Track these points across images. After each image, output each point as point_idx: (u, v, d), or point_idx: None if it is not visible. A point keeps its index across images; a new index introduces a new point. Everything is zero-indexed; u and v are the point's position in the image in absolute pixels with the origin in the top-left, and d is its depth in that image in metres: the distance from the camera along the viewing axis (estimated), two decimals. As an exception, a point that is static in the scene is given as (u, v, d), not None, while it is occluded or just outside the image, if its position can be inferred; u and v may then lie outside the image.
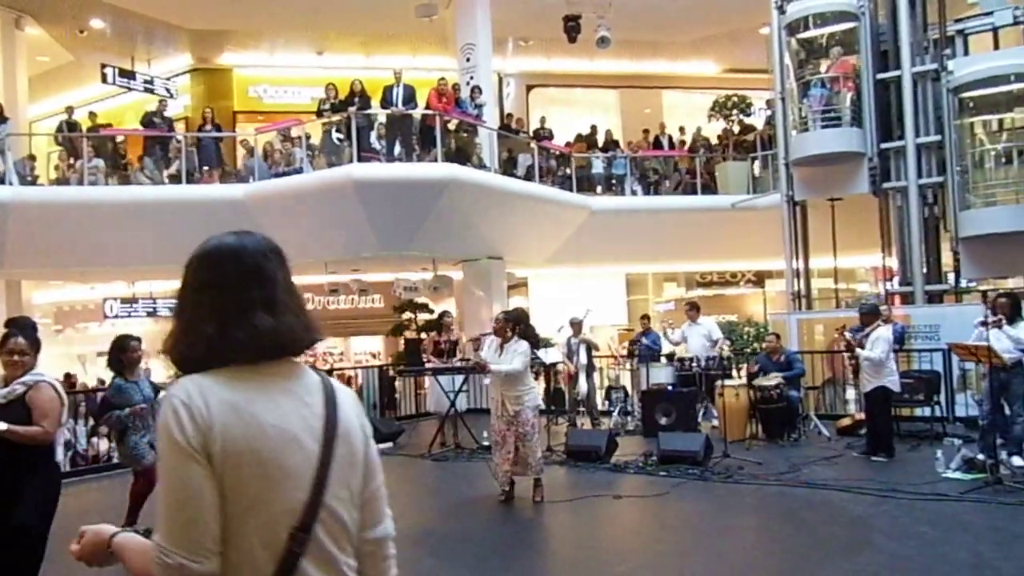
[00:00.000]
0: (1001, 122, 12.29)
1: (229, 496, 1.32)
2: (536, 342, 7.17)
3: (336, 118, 12.99)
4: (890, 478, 6.96)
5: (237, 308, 1.47)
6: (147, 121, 14.03)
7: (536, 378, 14.12)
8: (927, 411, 9.31)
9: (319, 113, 13.55)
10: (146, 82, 15.84)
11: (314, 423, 1.44)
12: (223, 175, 13.65)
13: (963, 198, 11.83)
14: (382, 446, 10.10)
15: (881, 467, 7.60)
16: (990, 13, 12.24)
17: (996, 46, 12.49)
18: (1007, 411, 7.23)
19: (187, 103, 19.27)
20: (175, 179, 13.15)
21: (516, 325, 6.88)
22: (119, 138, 14.08)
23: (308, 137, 13.41)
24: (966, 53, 12.39)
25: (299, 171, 12.90)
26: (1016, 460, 7.03)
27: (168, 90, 16.23)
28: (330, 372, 17.35)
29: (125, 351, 5.77)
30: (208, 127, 14.07)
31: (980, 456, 6.90)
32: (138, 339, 5.97)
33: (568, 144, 16.93)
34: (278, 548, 1.35)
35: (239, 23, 18.13)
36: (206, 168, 13.52)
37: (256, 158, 13.48)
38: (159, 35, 18.17)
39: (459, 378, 9.91)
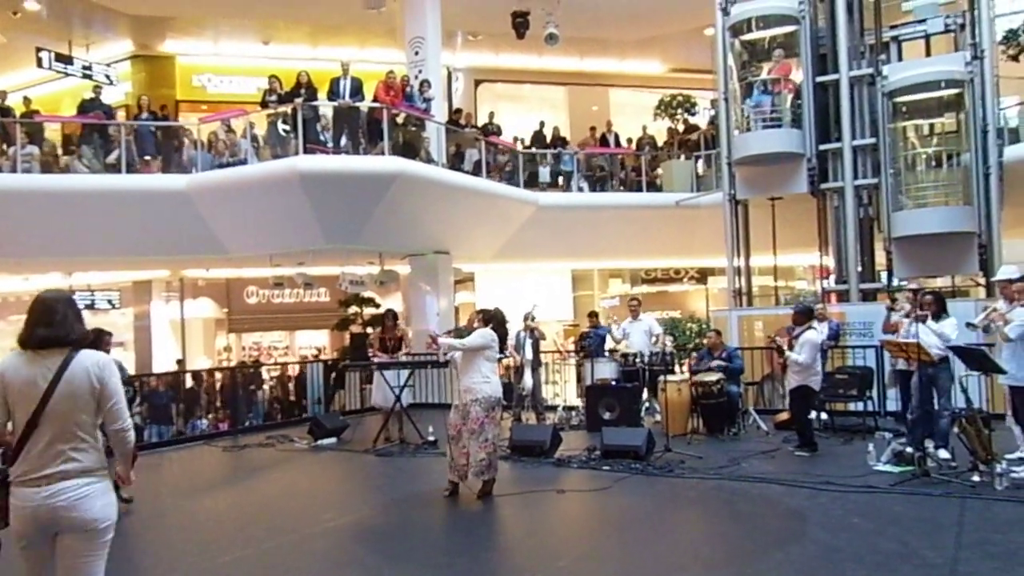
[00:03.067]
0: (932, 127, 12.73)
1: (11, 401, 3.00)
2: (504, 343, 7.17)
3: (282, 109, 12.81)
4: (824, 471, 7.16)
5: (32, 323, 3.05)
6: (85, 108, 13.62)
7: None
8: (860, 406, 9.61)
9: (264, 104, 13.34)
10: (84, 68, 15.41)
11: (47, 375, 2.97)
12: (165, 165, 13.33)
13: (896, 199, 12.23)
14: (325, 441, 10.07)
15: (815, 461, 7.82)
16: (923, 21, 12.70)
17: (928, 53, 12.95)
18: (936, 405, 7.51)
19: (128, 90, 18.76)
20: (114, 168, 12.80)
21: (487, 321, 6.91)
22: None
23: (252, 127, 13.18)
24: (900, 59, 12.82)
25: (244, 162, 12.69)
26: (943, 453, 7.30)
27: (108, 76, 15.79)
28: (257, 365, 17.17)
29: (101, 343, 5.90)
30: (145, 115, 13.70)
31: (909, 449, 7.16)
32: (110, 333, 6.66)
33: (515, 139, 16.96)
34: (26, 420, 2.97)
35: (182, 10, 17.73)
36: (146, 157, 13.19)
37: (199, 148, 13.20)
38: (98, 19, 17.64)
39: (404, 373, 9.89)
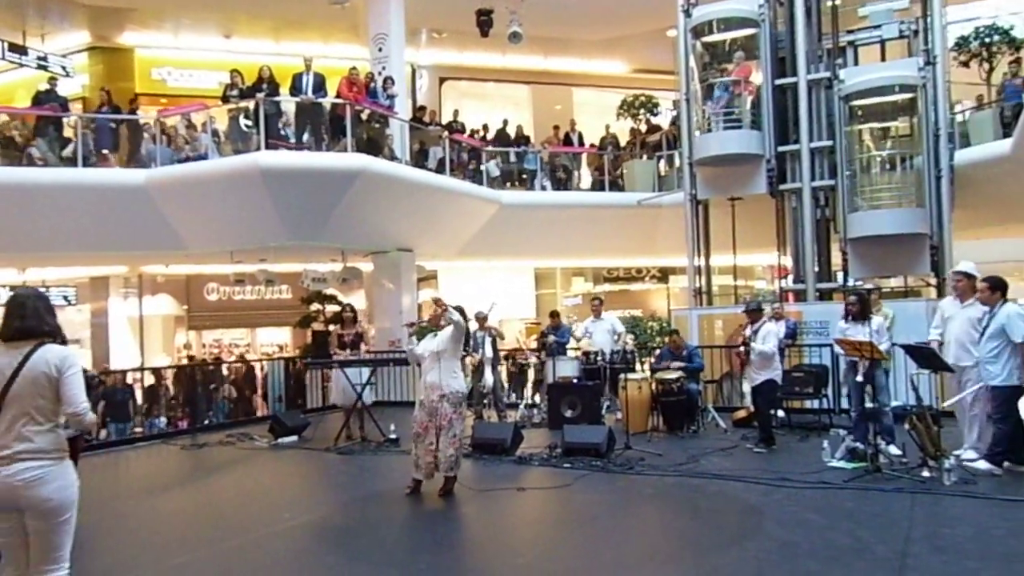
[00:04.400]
0: (886, 130, 13.01)
1: None
2: (468, 337, 7.16)
3: (244, 104, 12.67)
4: (780, 468, 7.29)
5: (6, 318, 3.39)
6: (40, 99, 13.33)
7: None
8: (816, 403, 9.79)
9: (225, 99, 13.19)
10: (39, 58, 15.08)
11: (13, 364, 3.28)
12: (127, 159, 13.09)
13: (851, 201, 12.48)
14: (286, 440, 9.99)
15: (772, 457, 7.95)
16: (878, 26, 12.98)
17: (883, 57, 13.25)
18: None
19: (85, 83, 18.41)
20: (70, 162, 12.55)
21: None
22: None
23: (213, 120, 13.02)
24: (856, 63, 13.09)
25: (204, 157, 12.53)
26: (893, 449, 7.48)
27: (64, 68, 15.47)
28: (217, 362, 16.95)
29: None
30: (105, 109, 13.45)
31: (861, 445, 7.32)
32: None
33: (472, 134, 16.95)
34: None
35: (141, 1, 17.43)
36: (104, 151, 12.96)
37: (158, 142, 13.01)
38: (54, 10, 17.29)
39: (366, 371, 9.85)
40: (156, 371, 15.54)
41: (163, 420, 13.96)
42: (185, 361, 18.46)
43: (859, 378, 7.47)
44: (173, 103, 17.39)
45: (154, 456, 9.75)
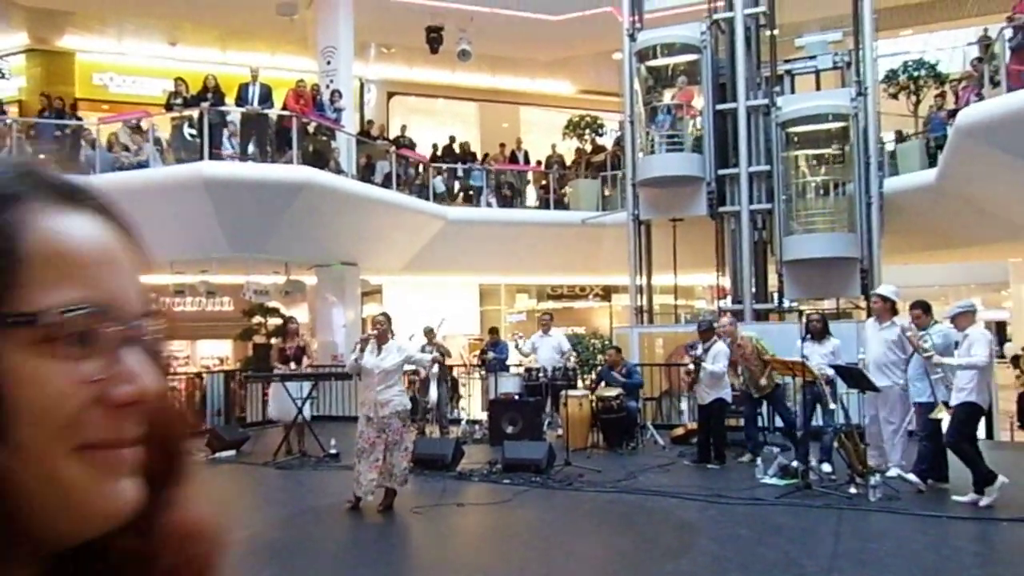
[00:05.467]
0: (820, 156, 13.45)
1: None
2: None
3: (188, 113, 12.52)
4: (715, 484, 7.48)
5: None
6: (-29, 102, 12.98)
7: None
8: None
9: (169, 107, 13.01)
10: (-27, 60, 14.64)
11: None
12: (65, 166, 12.75)
13: (787, 224, 12.85)
14: (224, 454, 9.83)
15: (708, 474, 8.15)
16: (814, 57, 13.46)
17: (818, 87, 13.72)
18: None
19: (22, 85, 17.91)
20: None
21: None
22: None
23: (154, 128, 12.82)
24: (793, 91, 13.53)
25: (145, 166, 12.33)
26: (825, 467, 7.74)
27: (0, 70, 15.07)
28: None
29: None
30: (47, 113, 13.14)
31: (794, 463, 7.54)
32: None
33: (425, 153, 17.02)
34: None
35: (82, 4, 17.03)
36: (41, 157, 12.61)
37: (98, 149, 12.74)
38: (-10, 10, 16.82)
39: (307, 385, 9.77)
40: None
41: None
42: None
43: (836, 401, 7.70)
44: (115, 109, 17.02)
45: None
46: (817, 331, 7.99)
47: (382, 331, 6.90)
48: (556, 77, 22.11)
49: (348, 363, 7.05)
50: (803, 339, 8.03)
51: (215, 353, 20.76)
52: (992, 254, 16.98)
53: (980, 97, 10.18)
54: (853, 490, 6.86)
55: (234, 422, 12.80)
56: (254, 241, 12.42)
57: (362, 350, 6.95)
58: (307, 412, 9.83)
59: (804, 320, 8.46)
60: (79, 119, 13.63)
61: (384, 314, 7.28)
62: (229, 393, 13.75)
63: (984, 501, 6.28)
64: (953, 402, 6.51)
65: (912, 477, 7.04)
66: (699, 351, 8.63)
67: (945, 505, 6.44)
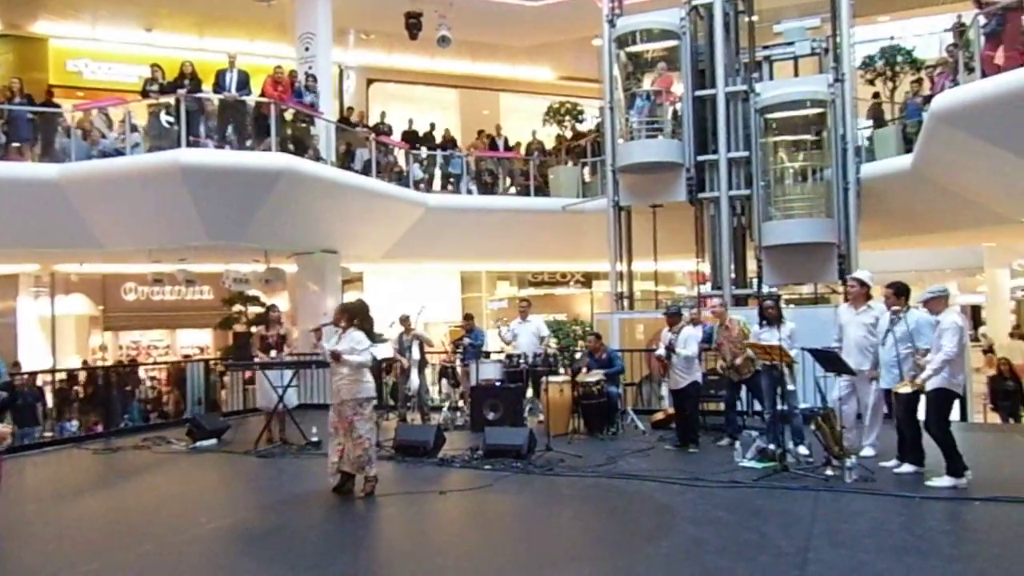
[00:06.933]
0: (798, 142, 13.53)
1: None
2: (371, 336, 7.19)
3: (164, 100, 12.40)
4: (695, 468, 7.55)
5: None
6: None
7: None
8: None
9: (145, 93, 12.88)
10: (-58, 46, 14.37)
11: None
12: (40, 154, 12.62)
13: (765, 210, 12.94)
14: (205, 443, 9.81)
15: (687, 458, 8.21)
16: (792, 43, 13.51)
17: (796, 73, 13.80)
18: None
19: (-7, 71, 17.64)
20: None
21: (352, 317, 6.95)
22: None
23: (131, 115, 12.67)
24: (771, 77, 13.59)
25: (122, 153, 12.21)
26: (801, 449, 7.84)
27: (-30, 56, 14.84)
28: (134, 364, 16.49)
29: None
30: (18, 100, 12.92)
31: (771, 446, 7.64)
32: None
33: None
34: None
35: (55, -11, 16.82)
36: (15, 144, 12.46)
37: (73, 136, 12.59)
38: (-41, -5, 16.55)
39: (288, 373, 9.76)
40: (70, 372, 15.00)
41: (75, 424, 13.50)
42: (100, 363, 17.89)
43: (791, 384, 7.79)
44: (90, 96, 16.82)
45: (64, 461, 9.44)
46: (773, 317, 8.07)
47: (336, 318, 6.99)
48: (536, 63, 22.08)
49: (322, 350, 7.08)
50: (760, 324, 8.14)
51: (195, 342, 20.69)
52: (967, 239, 17.22)
53: (955, 83, 10.26)
54: (829, 472, 6.95)
55: (215, 411, 12.76)
56: (233, 229, 12.35)
57: (317, 340, 7.09)
58: (290, 400, 9.82)
59: (759, 306, 8.56)
60: (54, 106, 13.41)
61: (345, 303, 7.29)
62: (209, 382, 13.72)
63: (961, 483, 6.40)
64: (929, 386, 6.59)
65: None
66: (672, 337, 8.65)
67: (920, 486, 6.54)
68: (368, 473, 6.80)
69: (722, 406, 10.25)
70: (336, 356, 6.75)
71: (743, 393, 9.32)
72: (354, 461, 6.72)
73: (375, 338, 7.48)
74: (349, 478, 6.83)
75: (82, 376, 14.89)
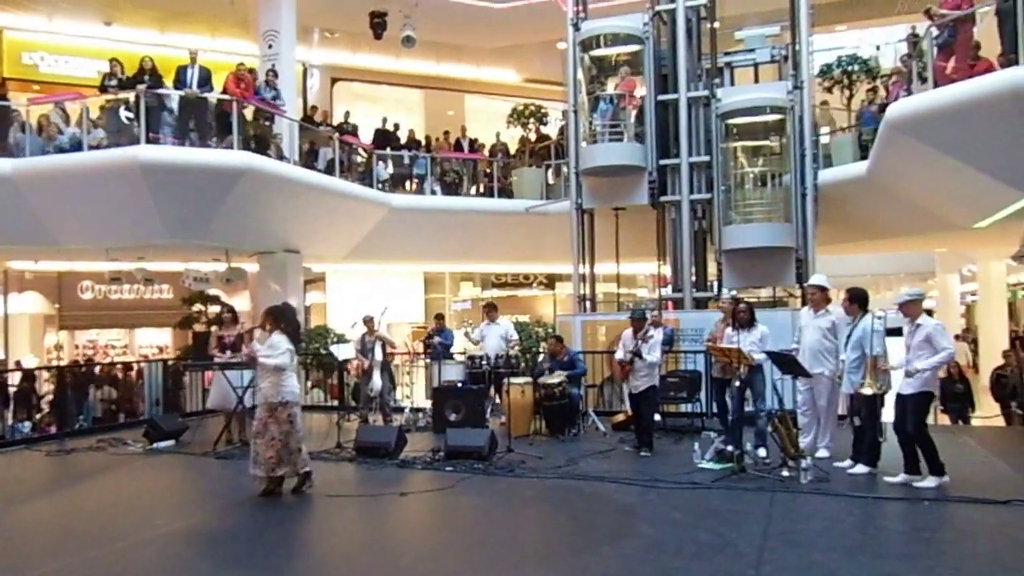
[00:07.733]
0: (758, 148, 13.74)
1: None
2: (297, 338, 7.20)
3: (123, 95, 12.18)
4: (654, 470, 7.63)
5: None
6: None
7: (329, 374, 14.07)
8: (689, 407, 10.24)
9: (103, 88, 12.65)
10: None
11: None
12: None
13: (726, 214, 13.11)
14: (163, 444, 9.67)
15: (647, 460, 8.29)
16: (753, 50, 13.72)
17: (756, 79, 14.00)
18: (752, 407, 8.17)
19: (-58, 64, 17.23)
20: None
21: (277, 320, 7.00)
22: None
23: (87, 111, 12.44)
24: (732, 83, 13.77)
25: (78, 149, 11.97)
26: (761, 451, 7.96)
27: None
28: (89, 364, 16.19)
29: None
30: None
31: (729, 448, 7.74)
32: None
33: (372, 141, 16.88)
34: None
35: (9, -19, 16.47)
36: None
37: (28, 131, 12.31)
38: (-92, -16, 16.11)
39: (248, 373, 9.64)
40: (24, 372, 14.65)
41: (28, 425, 13.19)
42: (55, 363, 17.52)
43: (736, 383, 7.89)
44: (46, 90, 16.50)
45: (15, 463, 9.22)
46: (745, 320, 8.19)
47: (261, 321, 7.11)
48: (501, 65, 22.13)
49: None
50: (734, 328, 8.25)
51: (154, 342, 20.40)
52: (919, 244, 17.62)
53: (909, 92, 10.49)
54: (786, 473, 7.08)
55: (173, 412, 12.56)
56: (193, 228, 12.18)
57: (248, 341, 7.16)
58: (249, 401, 9.71)
59: (719, 307, 8.65)
60: (6, 100, 13.12)
61: (270, 307, 7.27)
62: (167, 383, 13.52)
63: (944, 481, 6.59)
64: (907, 391, 6.71)
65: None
66: (638, 342, 8.62)
67: (874, 487, 6.69)
68: (300, 470, 6.91)
69: (681, 407, 10.42)
70: (252, 358, 6.79)
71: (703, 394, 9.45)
72: (265, 463, 6.77)
73: (299, 341, 7.45)
74: (276, 482, 6.89)
75: (44, 375, 14.57)
